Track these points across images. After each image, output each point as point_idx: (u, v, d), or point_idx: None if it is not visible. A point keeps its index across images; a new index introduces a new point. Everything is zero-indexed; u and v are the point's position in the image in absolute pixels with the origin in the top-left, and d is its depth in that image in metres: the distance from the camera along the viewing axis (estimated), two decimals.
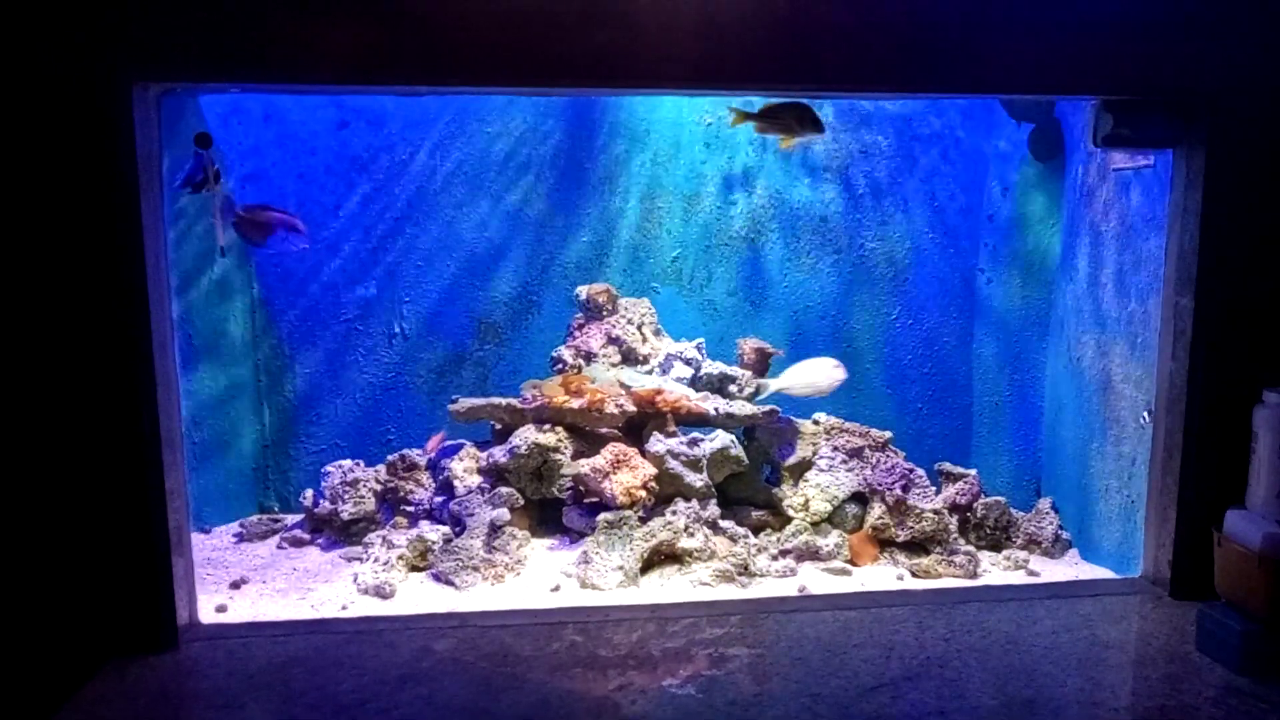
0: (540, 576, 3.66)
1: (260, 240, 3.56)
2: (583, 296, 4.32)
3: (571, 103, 4.43)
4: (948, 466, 4.20)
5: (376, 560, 3.65)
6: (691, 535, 3.75)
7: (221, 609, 3.37)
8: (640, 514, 3.78)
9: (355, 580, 3.59)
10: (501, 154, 4.44)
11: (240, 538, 4.10)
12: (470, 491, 3.90)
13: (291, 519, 4.21)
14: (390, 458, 4.10)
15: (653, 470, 3.85)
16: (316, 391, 4.44)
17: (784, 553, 3.85)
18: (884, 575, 3.79)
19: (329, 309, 4.42)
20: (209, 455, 4.17)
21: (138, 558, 2.94)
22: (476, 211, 4.47)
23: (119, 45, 2.71)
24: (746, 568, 3.68)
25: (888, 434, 4.19)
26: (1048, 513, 4.13)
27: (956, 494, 4.06)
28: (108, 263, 2.79)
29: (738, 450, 4.02)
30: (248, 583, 3.64)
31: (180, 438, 3.14)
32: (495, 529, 3.75)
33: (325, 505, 4.00)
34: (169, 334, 3.04)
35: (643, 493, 3.79)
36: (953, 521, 3.95)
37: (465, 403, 4.09)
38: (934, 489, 4.07)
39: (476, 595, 3.51)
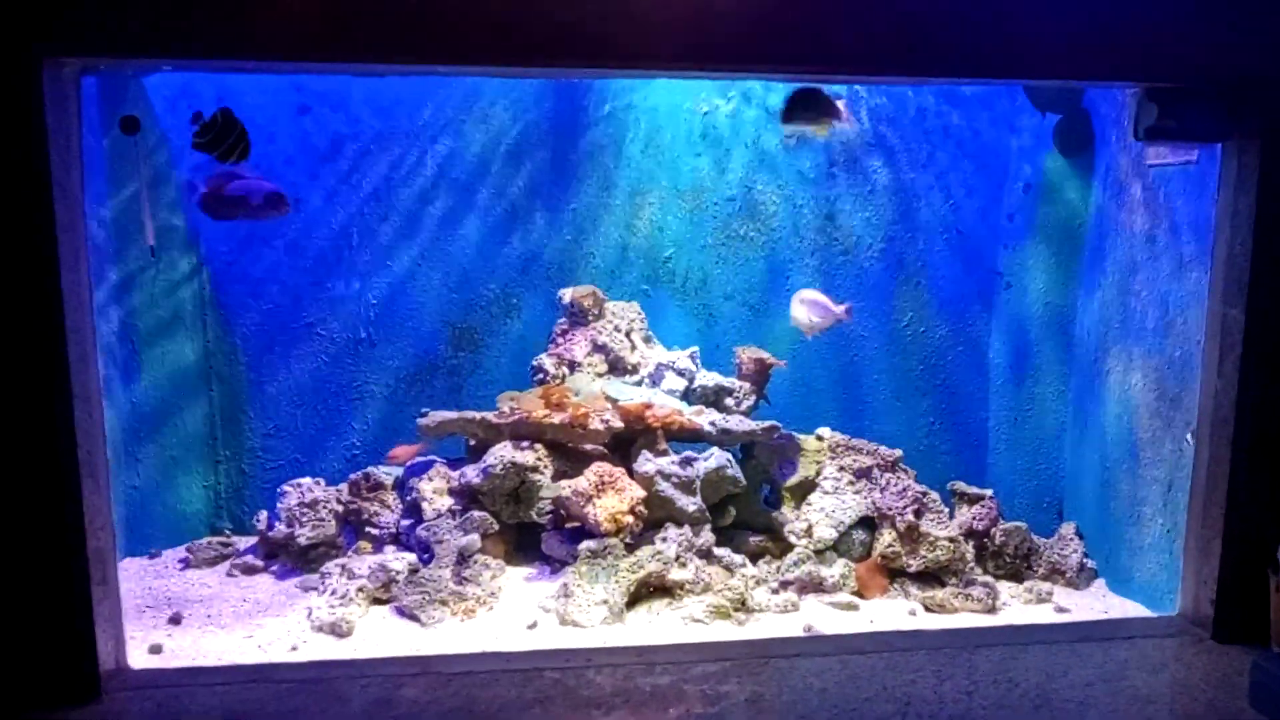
0: (515, 611, 3.33)
1: (236, 214, 3.18)
2: (566, 300, 4.01)
3: (555, 87, 4.09)
4: (961, 486, 3.90)
5: (333, 593, 3.30)
6: (683, 566, 3.42)
7: (156, 650, 3.02)
8: (627, 540, 3.44)
9: (309, 615, 3.24)
10: (479, 144, 4.12)
11: (186, 564, 3.74)
12: (440, 515, 3.57)
13: (245, 542, 3.86)
14: (353, 476, 3.78)
15: (641, 493, 3.52)
16: (274, 403, 4.11)
17: (785, 584, 3.52)
18: (895, 610, 3.46)
19: (288, 312, 4.08)
20: (154, 473, 3.84)
21: (52, 597, 2.61)
22: (450, 206, 4.14)
23: (24, 15, 2.35)
24: (744, 602, 3.35)
25: (897, 452, 3.87)
26: (1072, 539, 3.81)
27: (973, 519, 3.74)
28: (13, 264, 2.44)
29: (734, 470, 3.68)
30: (190, 617, 3.28)
31: (104, 460, 2.78)
32: (466, 557, 3.42)
33: (281, 528, 3.66)
34: (90, 343, 2.69)
35: (630, 518, 3.45)
36: (969, 550, 3.62)
37: (436, 416, 3.76)
38: (948, 512, 3.74)
39: (444, 634, 3.18)
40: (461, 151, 4.10)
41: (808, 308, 3.66)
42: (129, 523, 3.70)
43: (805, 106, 3.28)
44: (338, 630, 3.15)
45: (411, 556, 3.47)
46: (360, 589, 3.32)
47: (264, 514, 3.74)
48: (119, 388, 3.67)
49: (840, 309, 3.66)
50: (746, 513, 3.79)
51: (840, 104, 3.34)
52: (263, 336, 4.08)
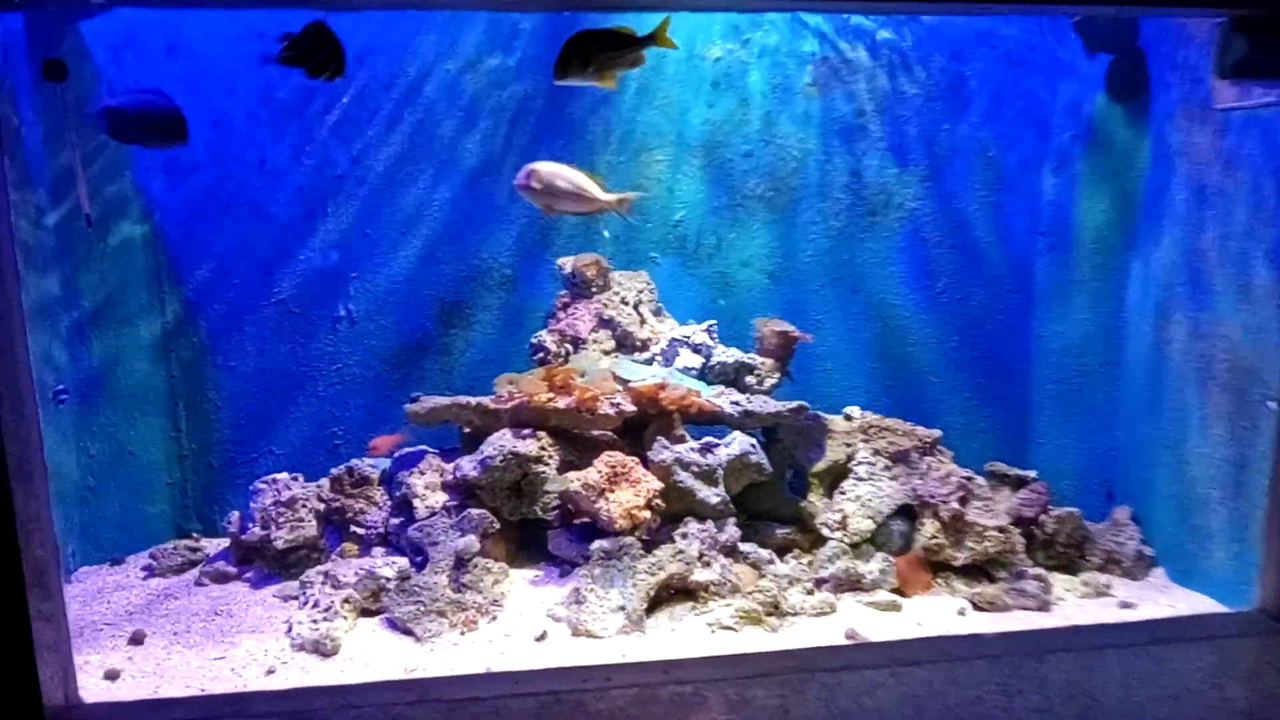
0: (522, 620, 2.98)
1: (138, 137, 2.73)
2: (567, 270, 3.68)
3: (550, 31, 3.67)
4: (1001, 467, 3.59)
5: (315, 605, 2.93)
6: (707, 565, 3.08)
7: (113, 675, 2.66)
8: (643, 536, 3.08)
9: (289, 632, 2.87)
10: (466, 95, 3.75)
11: (150, 571, 3.36)
12: (434, 513, 3.21)
13: (215, 545, 3.48)
14: (335, 471, 3.42)
15: (658, 484, 3.16)
16: (243, 389, 3.76)
17: (819, 582, 3.18)
18: (941, 609, 3.14)
19: (257, 288, 3.73)
20: (111, 471, 3.46)
21: None
22: (437, 167, 3.76)
23: None
24: (777, 606, 3.00)
25: (936, 433, 3.55)
26: (1127, 525, 3.50)
27: (1021, 505, 3.40)
28: None
29: (759, 456, 3.33)
30: (153, 635, 2.90)
31: (40, 463, 2.38)
32: (464, 561, 3.05)
33: (255, 530, 3.28)
34: (17, 329, 2.29)
35: (646, 513, 3.10)
36: (1020, 540, 3.29)
37: (427, 402, 3.40)
38: (995, 499, 3.40)
39: (442, 650, 2.82)
40: (448, 105, 3.73)
41: (548, 178, 2.91)
42: (85, 528, 3.32)
43: (584, 55, 2.55)
44: (321, 649, 2.78)
45: (403, 561, 3.11)
46: (346, 600, 2.95)
47: (236, 515, 3.37)
48: (66, 378, 3.26)
49: (610, 197, 2.98)
50: (772, 502, 3.45)
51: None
52: (229, 315, 3.71)
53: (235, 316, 3.72)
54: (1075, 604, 3.20)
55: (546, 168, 2.95)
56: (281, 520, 3.28)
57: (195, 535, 3.61)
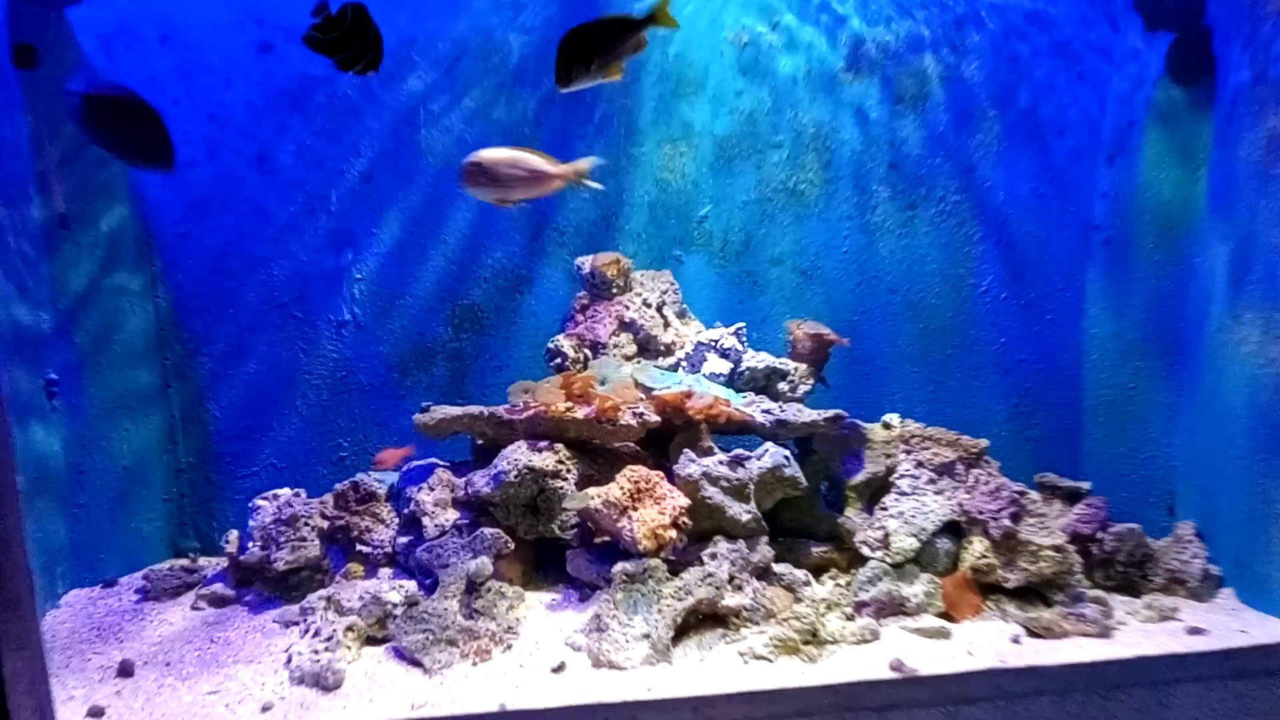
0: (539, 649, 2.75)
1: (112, 145, 2.38)
2: (586, 269, 3.49)
3: (567, 14, 3.48)
4: (1052, 479, 3.34)
5: (317, 633, 2.72)
6: (739, 589, 2.85)
7: (97, 713, 2.45)
8: (669, 557, 2.86)
9: (288, 663, 2.66)
10: (478, 84, 3.55)
11: (144, 594, 3.16)
12: (443, 532, 3.00)
13: (214, 565, 3.28)
14: (340, 486, 3.22)
15: (685, 501, 2.93)
16: (244, 399, 3.57)
17: (859, 606, 2.93)
18: (993, 635, 2.88)
19: (258, 291, 3.55)
20: (103, 486, 3.27)
21: None
22: (447, 161, 3.54)
23: None
24: (815, 633, 2.76)
25: (983, 442, 3.29)
26: (1191, 541, 3.22)
27: (1078, 521, 3.15)
28: None
29: (793, 469, 3.10)
30: (144, 666, 2.70)
31: (12, 484, 2.16)
32: (476, 585, 2.83)
33: (254, 550, 3.08)
34: None
35: (673, 533, 2.87)
36: (1077, 560, 3.03)
37: (437, 412, 3.20)
38: (1048, 514, 3.15)
39: (453, 683, 2.60)
40: (459, 94, 3.53)
41: (493, 166, 2.59)
42: (76, 547, 3.13)
43: (584, 54, 2.30)
44: (323, 682, 2.57)
45: (411, 584, 2.89)
46: (350, 627, 2.74)
47: (234, 534, 3.16)
48: (58, 386, 3.07)
49: (565, 168, 2.64)
50: (807, 518, 3.22)
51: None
52: (228, 321, 3.53)
53: (236, 323, 3.56)
54: (1139, 629, 2.93)
55: (490, 155, 2.65)
56: (282, 540, 3.07)
57: (192, 555, 3.42)
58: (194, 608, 3.09)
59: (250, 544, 3.10)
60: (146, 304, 3.37)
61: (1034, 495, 3.18)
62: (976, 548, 3.04)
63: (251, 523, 3.12)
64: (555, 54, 2.29)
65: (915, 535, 3.09)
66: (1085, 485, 3.31)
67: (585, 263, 3.49)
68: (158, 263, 3.39)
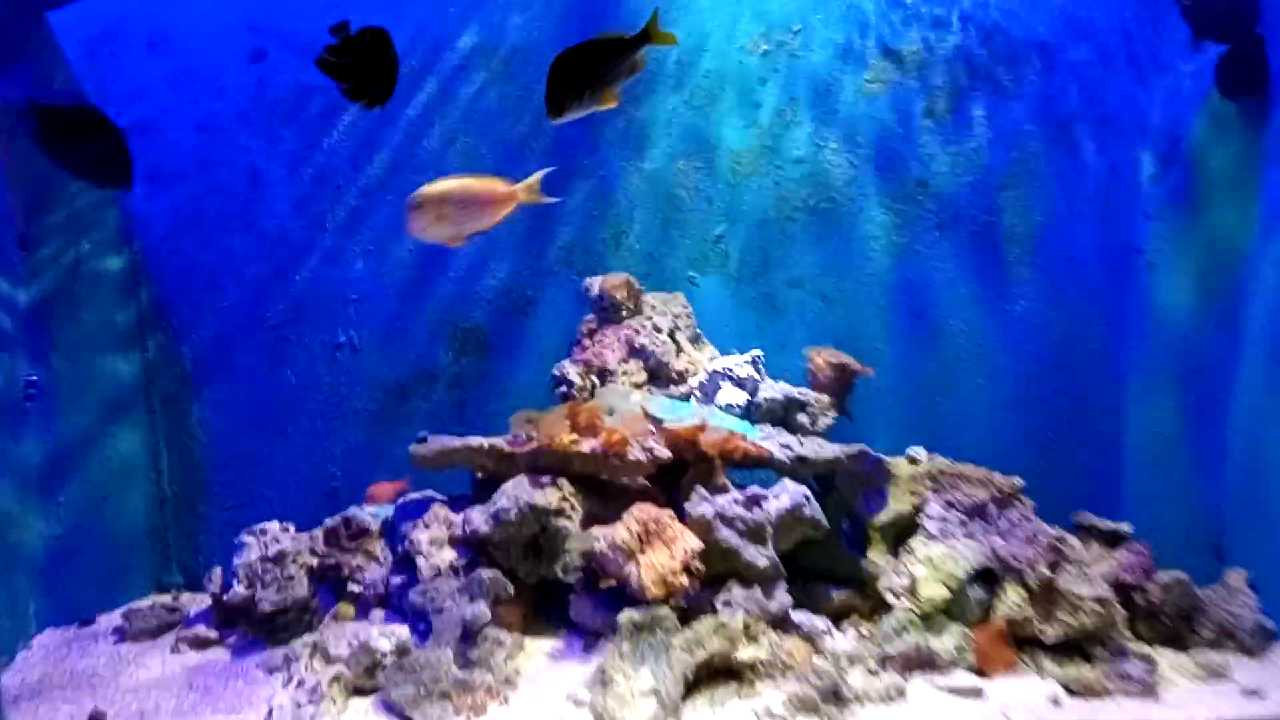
0: (539, 703, 2.60)
1: (71, 163, 2.19)
2: (594, 291, 3.43)
3: (575, 23, 3.42)
4: (1090, 519, 3.17)
5: (301, 684, 2.58)
6: (754, 640, 2.68)
7: None
8: (680, 603, 2.69)
9: (269, 716, 2.50)
10: (481, 94, 3.48)
11: (121, 635, 3.02)
12: (439, 574, 2.87)
13: (197, 603, 3.16)
14: (330, 522, 3.13)
15: (697, 544, 2.77)
16: (232, 426, 3.53)
17: (885, 660, 2.74)
18: (1030, 693, 2.69)
19: (248, 314, 3.50)
20: (81, 518, 3.17)
21: None
22: (450, 174, 3.38)
23: None
24: (836, 692, 2.57)
25: (1018, 481, 3.13)
26: (1242, 591, 3.03)
27: (1121, 569, 2.95)
28: None
29: (814, 510, 2.93)
30: (115, 715, 2.56)
31: None
32: (472, 633, 2.67)
33: (239, 590, 2.95)
34: None
35: (684, 579, 2.71)
36: (1120, 613, 2.83)
37: (435, 443, 3.08)
38: (1087, 560, 2.96)
39: None
40: (460, 105, 3.47)
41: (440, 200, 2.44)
42: (49, 584, 3.00)
43: (576, 81, 2.16)
44: None
45: (403, 630, 2.74)
46: (336, 678, 2.59)
47: (218, 571, 3.03)
48: (31, 414, 2.94)
49: (517, 187, 2.48)
50: (827, 561, 3.05)
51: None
52: (216, 343, 3.50)
53: (223, 344, 3.52)
54: (1188, 689, 2.73)
55: (434, 189, 2.48)
56: (269, 578, 2.94)
57: (175, 593, 3.32)
58: (174, 650, 2.96)
59: (235, 582, 2.96)
60: (132, 328, 3.33)
61: (1073, 541, 2.99)
62: (1011, 597, 2.85)
63: (236, 560, 2.99)
64: (545, 83, 2.11)
65: (945, 583, 2.90)
66: (1126, 527, 3.13)
67: (594, 284, 3.41)
68: (144, 281, 3.37)
